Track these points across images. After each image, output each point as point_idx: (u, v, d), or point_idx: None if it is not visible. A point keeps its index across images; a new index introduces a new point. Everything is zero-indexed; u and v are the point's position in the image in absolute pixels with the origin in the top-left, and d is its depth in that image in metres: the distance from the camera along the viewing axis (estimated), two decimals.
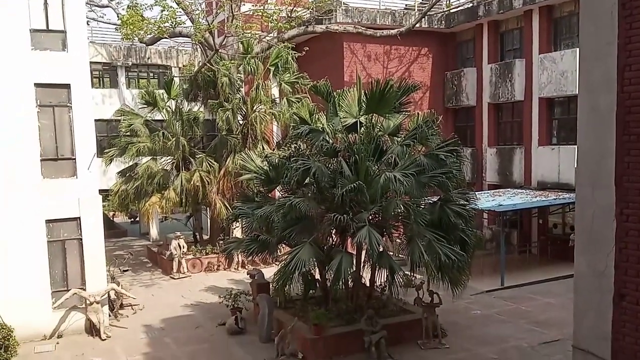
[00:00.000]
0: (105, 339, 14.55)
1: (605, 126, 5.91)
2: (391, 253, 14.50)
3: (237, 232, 21.45)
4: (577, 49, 19.97)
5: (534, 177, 22.51)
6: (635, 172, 5.63)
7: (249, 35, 21.66)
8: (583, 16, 6.28)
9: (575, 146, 19.54)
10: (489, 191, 22.74)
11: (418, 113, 15.40)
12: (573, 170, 20.22)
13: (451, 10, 25.38)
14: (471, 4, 24.90)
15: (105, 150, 22.85)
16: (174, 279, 21.23)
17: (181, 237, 22.15)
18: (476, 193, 16.57)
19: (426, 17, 24.17)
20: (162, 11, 21.22)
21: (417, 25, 23.20)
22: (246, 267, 21.57)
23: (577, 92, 19.38)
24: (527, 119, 22.91)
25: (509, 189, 22.53)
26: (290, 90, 21.81)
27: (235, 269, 22.12)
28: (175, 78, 25.82)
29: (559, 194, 20.28)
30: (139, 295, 17.96)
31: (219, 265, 22.21)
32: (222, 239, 22.90)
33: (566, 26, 21.91)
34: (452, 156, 13.47)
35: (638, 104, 5.56)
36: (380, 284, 14.16)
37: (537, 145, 22.39)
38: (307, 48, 23.05)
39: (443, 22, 25.66)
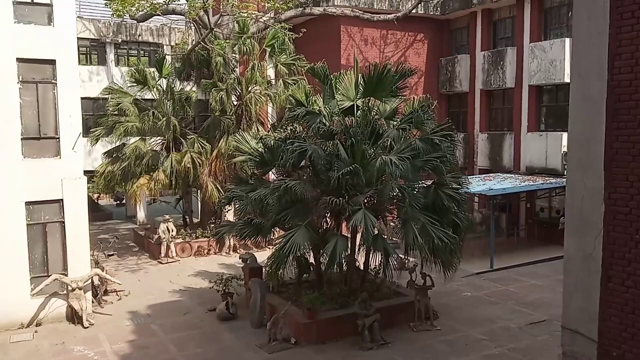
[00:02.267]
0: (87, 327, 14.04)
1: (595, 113, 6.12)
2: (385, 236, 14.68)
3: (229, 216, 21.21)
4: (566, 39, 20.30)
5: (522, 162, 22.86)
6: (623, 158, 5.86)
7: (245, 14, 21.27)
8: (576, 4, 6.46)
9: (562, 133, 20.09)
10: (479, 175, 23.06)
11: (414, 98, 15.51)
12: (560, 156, 20.67)
13: None
14: None
15: (91, 130, 22.09)
16: (162, 263, 20.72)
17: (170, 220, 21.61)
18: (468, 177, 16.83)
19: (422, 3, 24.26)
20: None
21: (413, 11, 23.30)
22: (238, 251, 21.36)
23: (565, 81, 19.88)
24: (517, 106, 23.22)
25: (499, 174, 22.86)
26: (287, 72, 21.57)
27: (226, 253, 21.80)
28: (167, 56, 25.22)
29: (546, 178, 20.66)
30: (124, 280, 17.41)
31: (209, 250, 21.84)
32: (214, 222, 22.66)
33: (556, 16, 22.17)
34: (446, 141, 13.65)
35: (627, 92, 5.78)
36: (375, 267, 14.34)
37: (526, 132, 22.73)
38: (305, 30, 22.94)
39: (438, 8, 25.79)
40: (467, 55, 25.39)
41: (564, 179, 6.93)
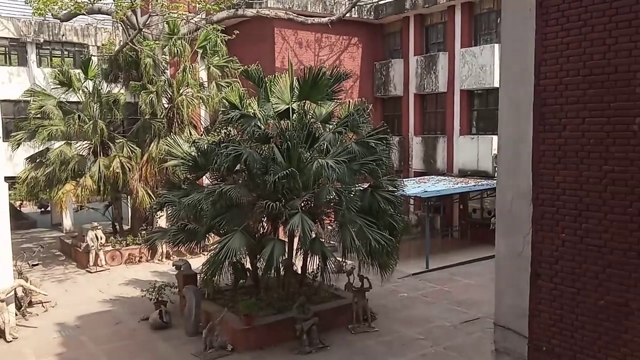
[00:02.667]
0: (11, 341, 13.44)
1: (523, 117, 6.31)
2: (323, 240, 14.67)
3: (162, 222, 20.73)
4: (496, 45, 21.00)
5: (455, 164, 23.48)
6: (549, 160, 6.07)
7: (175, 15, 20.77)
8: (504, 12, 6.66)
9: (493, 136, 20.77)
10: (414, 178, 23.52)
11: (349, 101, 15.59)
12: (490, 159, 21.37)
13: (380, 2, 25.84)
14: None
15: (12, 134, 21.12)
16: (91, 272, 20.01)
17: (99, 227, 20.85)
18: (403, 180, 17.09)
19: (356, 7, 24.51)
20: None
21: (348, 14, 23.47)
22: (171, 258, 20.88)
23: (495, 85, 20.55)
24: (449, 110, 23.85)
25: (433, 176, 23.38)
26: (220, 74, 21.23)
27: (159, 260, 21.27)
28: (93, 57, 24.36)
29: (478, 180, 21.29)
30: (51, 291, 16.79)
31: (140, 257, 21.29)
32: (145, 229, 21.98)
33: (485, 22, 22.94)
34: (381, 144, 13.77)
35: (552, 96, 6.00)
36: (312, 271, 14.33)
37: (459, 135, 23.37)
38: (237, 32, 22.70)
39: (372, 13, 26.13)
40: (401, 59, 25.87)
41: (495, 181, 7.12)
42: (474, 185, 20.71)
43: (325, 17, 23.38)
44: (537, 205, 6.21)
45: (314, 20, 22.92)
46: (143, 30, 20.58)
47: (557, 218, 6.02)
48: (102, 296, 17.18)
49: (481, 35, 23.00)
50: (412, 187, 20.19)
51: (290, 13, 23.07)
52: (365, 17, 25.99)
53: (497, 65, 20.98)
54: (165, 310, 14.31)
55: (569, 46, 5.82)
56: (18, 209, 31.60)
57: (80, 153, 21.60)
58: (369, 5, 25.91)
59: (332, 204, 13.60)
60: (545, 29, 6.03)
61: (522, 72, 6.29)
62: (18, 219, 28.29)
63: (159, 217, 20.28)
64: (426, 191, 19.55)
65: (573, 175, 5.85)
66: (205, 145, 14.10)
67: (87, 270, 20.30)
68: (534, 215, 6.24)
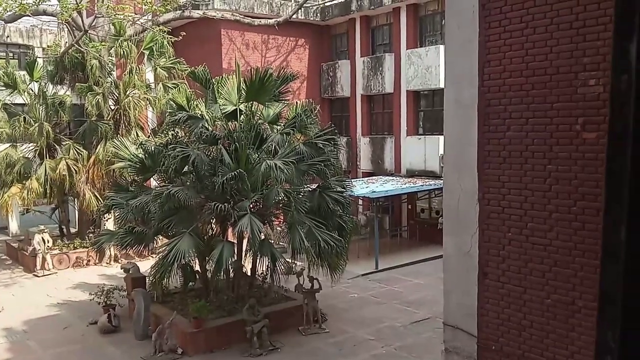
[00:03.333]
0: None
1: (468, 117, 6.39)
2: (272, 241, 14.63)
3: (109, 224, 20.34)
4: (441, 46, 21.37)
5: (403, 165, 23.79)
6: (494, 160, 6.17)
7: (122, 17, 20.58)
8: (448, 14, 6.74)
9: (439, 136, 21.18)
10: (363, 179, 23.69)
11: (297, 102, 15.64)
12: (437, 159, 21.74)
13: (326, 4, 25.95)
14: None
15: None
16: (38, 276, 19.75)
17: (45, 230, 20.54)
18: (352, 180, 17.22)
19: (302, 9, 24.51)
20: None
21: (294, 16, 23.44)
22: (119, 261, 20.54)
23: (440, 86, 20.95)
24: (396, 111, 24.15)
25: (381, 177, 23.61)
26: (167, 76, 21.07)
27: (107, 263, 21.04)
28: (38, 59, 23.95)
29: (426, 180, 21.63)
30: None
31: (88, 260, 21.03)
32: (93, 231, 21.72)
33: (430, 24, 23.34)
34: (329, 145, 13.86)
35: (496, 97, 6.10)
36: (262, 273, 14.25)
37: (406, 135, 23.68)
38: (184, 33, 22.43)
39: (318, 14, 26.20)
40: (348, 60, 26.04)
41: (442, 181, 7.20)
42: (422, 185, 21.04)
43: (271, 18, 23.27)
44: (483, 204, 6.29)
45: (260, 21, 22.76)
46: (89, 31, 20.35)
47: (503, 217, 6.10)
48: (49, 300, 16.90)
49: (426, 36, 23.39)
50: (361, 187, 20.34)
51: (237, 14, 22.87)
52: (312, 18, 26.04)
53: (443, 66, 21.48)
54: (114, 314, 14.15)
55: (511, 48, 5.90)
56: None
57: (26, 156, 21.46)
58: (315, 7, 25.97)
59: (281, 205, 13.59)
60: (488, 31, 6.12)
61: (466, 74, 6.37)
62: None
63: (107, 220, 20.02)
64: (374, 191, 19.73)
65: (518, 175, 5.92)
66: (153, 147, 13.96)
67: (34, 274, 20.00)
68: (480, 214, 6.31)
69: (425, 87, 22.60)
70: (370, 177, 23.76)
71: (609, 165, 0.89)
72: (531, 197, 5.83)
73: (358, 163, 26.01)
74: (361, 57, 25.41)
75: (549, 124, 5.63)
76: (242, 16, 22.75)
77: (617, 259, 0.91)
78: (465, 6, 6.37)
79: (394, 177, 23.15)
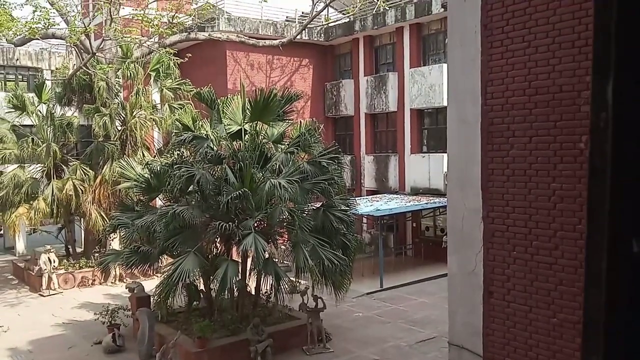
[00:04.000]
0: None
1: (471, 136, 6.42)
2: (276, 260, 14.61)
3: (115, 244, 20.43)
4: (444, 64, 21.47)
5: (407, 183, 23.79)
6: (498, 178, 6.18)
7: (129, 39, 20.95)
8: (450, 34, 6.81)
9: (443, 154, 21.21)
10: (367, 197, 23.68)
11: (300, 121, 15.73)
12: (442, 177, 21.73)
13: (330, 24, 26.21)
14: (348, 19, 25.90)
15: None
16: (44, 296, 19.71)
17: (52, 250, 20.53)
18: (356, 199, 17.22)
19: (306, 29, 24.75)
20: (33, 12, 19.76)
21: (298, 37, 23.70)
22: (124, 280, 20.55)
23: (444, 104, 21.03)
24: (400, 129, 24.23)
25: (385, 194, 23.61)
26: (173, 97, 21.37)
27: (112, 283, 21.01)
28: (47, 81, 24.21)
29: (430, 198, 21.59)
30: (3, 315, 16.63)
31: (94, 280, 21.03)
32: (98, 251, 21.71)
33: (433, 43, 23.52)
34: (333, 163, 13.90)
35: (499, 116, 6.14)
36: (266, 292, 14.21)
37: (410, 153, 23.73)
38: (190, 54, 22.69)
39: (322, 35, 26.45)
40: (351, 80, 26.21)
41: (447, 199, 7.21)
42: (426, 203, 21.01)
43: (276, 39, 23.54)
44: (487, 223, 6.28)
45: (265, 42, 23.05)
46: (96, 54, 20.71)
47: (507, 236, 6.07)
48: (55, 320, 16.86)
49: (430, 55, 23.57)
50: (365, 205, 20.33)
51: (242, 36, 23.16)
52: (316, 39, 26.30)
53: (446, 85, 21.55)
54: (119, 334, 14.10)
55: (514, 67, 5.95)
56: None
57: (34, 176, 21.57)
58: (319, 28, 26.23)
59: (285, 224, 13.58)
60: (491, 50, 6.18)
61: (470, 92, 6.42)
62: None
63: (112, 240, 20.15)
64: (379, 210, 19.71)
65: (522, 193, 5.91)
66: (158, 167, 14.05)
67: (39, 294, 19.97)
68: (484, 233, 6.30)
69: (429, 106, 22.70)
70: (375, 195, 23.76)
71: (589, 197, 0.94)
72: (535, 215, 5.80)
73: (362, 181, 26.03)
74: (365, 76, 25.58)
75: (553, 142, 5.61)
76: (247, 37, 23.03)
77: (599, 285, 0.94)
78: (467, 26, 6.44)
79: (398, 195, 23.13)
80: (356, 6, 23.92)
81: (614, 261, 0.74)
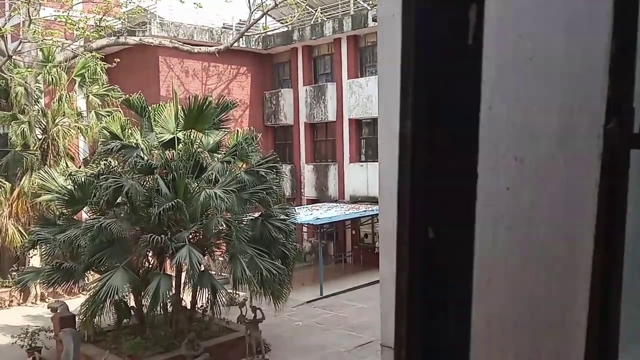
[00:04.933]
0: None
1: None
2: (213, 272, 14.30)
3: (35, 261, 19.25)
4: None
5: (346, 191, 23.87)
6: None
7: (50, 42, 19.85)
8: (380, 45, 6.75)
9: None
10: (307, 206, 23.59)
11: (238, 130, 15.49)
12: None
13: (268, 33, 26.04)
14: (286, 28, 25.81)
15: None
16: None
17: None
18: (296, 208, 17.09)
19: (244, 37, 24.49)
20: None
21: (235, 44, 23.39)
22: (46, 300, 19.22)
23: None
24: (339, 138, 24.32)
25: (325, 203, 23.58)
26: (100, 104, 20.25)
27: (32, 303, 19.66)
28: None
29: (369, 206, 21.70)
30: None
31: (11, 301, 19.58)
32: (16, 269, 20.12)
33: (370, 55, 23.73)
34: (272, 172, 13.78)
35: None
36: (202, 305, 13.83)
37: (349, 162, 23.85)
38: (119, 59, 21.83)
39: (260, 43, 26.24)
40: (291, 89, 26.11)
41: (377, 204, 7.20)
42: (365, 211, 21.13)
43: (212, 46, 23.09)
44: None
45: (200, 49, 22.58)
46: (13, 57, 19.38)
47: None
48: None
49: (367, 67, 23.80)
50: (305, 214, 20.21)
51: (176, 42, 22.58)
52: (254, 47, 26.04)
53: None
54: (40, 357, 13.38)
55: None
56: None
57: None
58: (257, 36, 26.01)
59: (222, 235, 13.30)
60: None
61: (397, 105, 6.40)
62: None
63: (32, 257, 18.89)
64: (318, 218, 19.64)
65: None
66: (83, 178, 13.38)
67: None
68: None
69: (367, 116, 22.90)
70: (315, 204, 23.69)
71: (398, 195, 1.02)
72: None
73: (302, 190, 25.92)
74: (304, 85, 25.54)
75: None
76: (181, 43, 22.48)
77: (405, 268, 1.02)
78: (396, 38, 6.42)
79: (338, 204, 23.16)
80: (294, 16, 23.82)
81: (414, 247, 0.95)
